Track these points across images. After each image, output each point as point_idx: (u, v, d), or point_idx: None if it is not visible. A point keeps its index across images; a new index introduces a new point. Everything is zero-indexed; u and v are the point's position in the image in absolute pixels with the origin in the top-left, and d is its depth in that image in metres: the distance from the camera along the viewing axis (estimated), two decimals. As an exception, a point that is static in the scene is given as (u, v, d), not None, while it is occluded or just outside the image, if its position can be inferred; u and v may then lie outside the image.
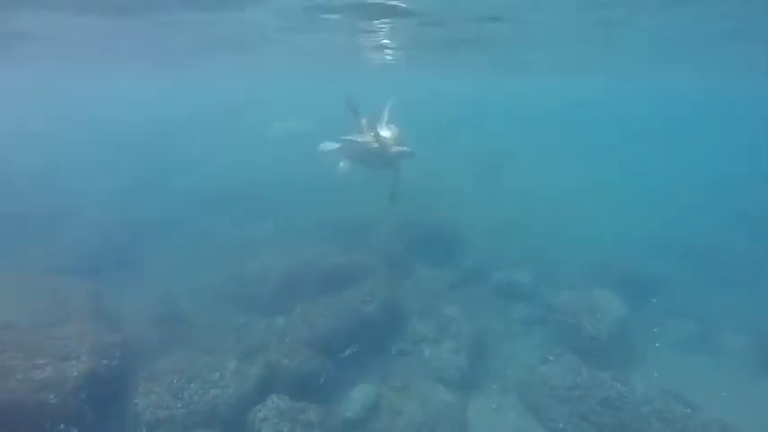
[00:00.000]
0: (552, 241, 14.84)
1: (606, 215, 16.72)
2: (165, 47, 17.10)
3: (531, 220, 16.38)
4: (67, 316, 7.82)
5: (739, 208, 18.50)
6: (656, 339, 10.94)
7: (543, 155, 24.36)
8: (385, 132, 8.71)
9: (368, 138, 8.80)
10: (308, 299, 10.53)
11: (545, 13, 10.70)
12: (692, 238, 15.52)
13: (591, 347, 9.80)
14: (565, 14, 10.83)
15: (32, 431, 6.31)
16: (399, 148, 8.71)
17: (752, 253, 14.71)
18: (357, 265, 11.96)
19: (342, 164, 9.17)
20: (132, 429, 7.22)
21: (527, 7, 10.15)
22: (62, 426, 6.39)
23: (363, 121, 9.47)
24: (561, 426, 8.32)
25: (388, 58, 20.32)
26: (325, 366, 8.94)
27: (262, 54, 18.87)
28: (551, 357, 9.54)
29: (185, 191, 18.31)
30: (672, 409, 8.23)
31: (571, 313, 10.48)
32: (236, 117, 30.32)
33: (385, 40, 15.85)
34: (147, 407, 7.46)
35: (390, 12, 11.03)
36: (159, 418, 7.35)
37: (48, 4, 10.31)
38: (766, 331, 10.86)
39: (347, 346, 9.59)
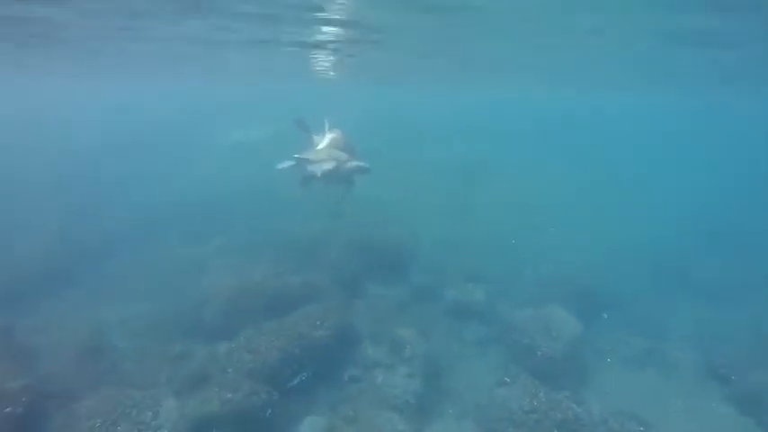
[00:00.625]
0: (510, 256, 14.77)
1: (569, 229, 16.83)
2: (121, 54, 16.06)
3: (490, 234, 16.25)
4: (-34, 356, 6.83)
5: (706, 225, 18.98)
6: (608, 355, 10.96)
7: (509, 168, 24.35)
8: (334, 148, 8.41)
9: (321, 155, 8.48)
10: (254, 323, 9.88)
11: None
12: (650, 254, 15.77)
13: (546, 367, 9.65)
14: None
15: None
16: (354, 164, 8.41)
17: (710, 266, 15.12)
18: (308, 285, 11.42)
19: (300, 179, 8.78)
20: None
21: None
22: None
23: (315, 138, 9.20)
24: (518, 452, 8.04)
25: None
26: (272, 398, 8.30)
27: (217, 62, 18.10)
28: (507, 379, 9.29)
29: (135, 205, 17.07)
30: (627, 430, 8.14)
31: (526, 332, 10.33)
32: (193, 126, 29.02)
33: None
34: (63, 457, 6.59)
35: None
36: (76, 470, 6.50)
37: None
38: (713, 345, 11.11)
39: (295, 374, 9.01)
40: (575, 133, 38.76)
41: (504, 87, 28.65)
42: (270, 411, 8.13)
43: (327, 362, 9.39)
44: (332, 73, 20.70)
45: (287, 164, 8.76)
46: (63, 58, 17.39)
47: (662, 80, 21.26)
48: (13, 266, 11.71)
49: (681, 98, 30.99)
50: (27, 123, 30.13)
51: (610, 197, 22.03)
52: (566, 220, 17.85)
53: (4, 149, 23.06)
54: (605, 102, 40.27)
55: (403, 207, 17.46)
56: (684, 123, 50.99)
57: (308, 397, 8.82)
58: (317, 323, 9.65)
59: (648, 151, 37.43)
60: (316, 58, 16.17)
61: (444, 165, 22.74)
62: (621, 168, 27.68)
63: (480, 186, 21.46)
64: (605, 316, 12.21)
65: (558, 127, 40.25)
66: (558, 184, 23.03)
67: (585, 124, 44.89)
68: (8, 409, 6.22)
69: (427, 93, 36.64)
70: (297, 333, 9.32)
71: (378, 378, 9.41)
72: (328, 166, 8.35)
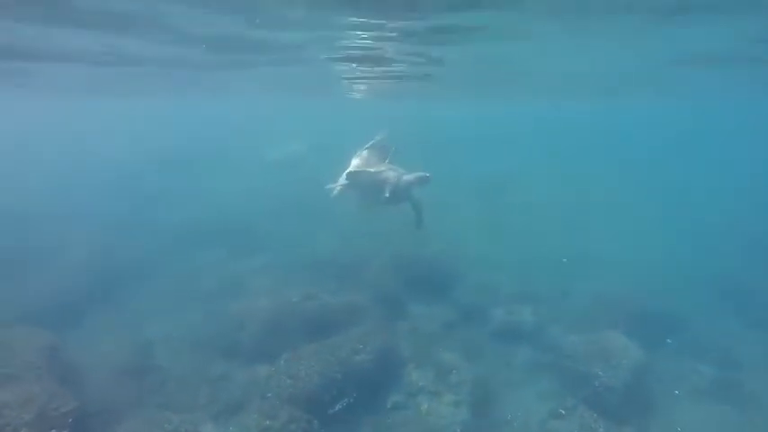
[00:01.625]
0: (555, 273, 13.99)
1: (613, 244, 15.88)
2: (158, 75, 16.58)
3: (532, 250, 15.51)
4: (13, 376, 6.86)
5: (754, 236, 17.56)
6: (675, 386, 9.99)
7: (540, 180, 23.58)
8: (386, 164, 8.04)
9: (381, 167, 8.06)
10: (294, 345, 9.62)
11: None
12: (707, 270, 14.64)
13: (606, 399, 8.85)
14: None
15: None
16: (415, 174, 7.96)
17: None
18: (348, 306, 11.10)
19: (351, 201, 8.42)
20: None
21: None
22: None
23: (365, 153, 8.84)
24: (578, 494, 7.33)
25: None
26: (312, 426, 7.94)
27: (256, 80, 18.41)
28: (563, 411, 8.61)
29: (176, 224, 17.29)
30: (702, 474, 7.28)
31: (581, 359, 9.55)
32: (232, 144, 29.77)
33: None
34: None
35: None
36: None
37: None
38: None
39: (336, 400, 8.64)
40: (606, 143, 37.35)
41: (531, 99, 27.95)
42: (310, 440, 7.79)
43: (369, 388, 8.97)
44: (361, 90, 20.63)
45: (340, 183, 8.32)
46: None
47: (696, 84, 20.11)
48: (58, 282, 11.97)
49: (719, 103, 29.19)
50: (71, 139, 31.82)
51: (654, 211, 20.76)
52: (608, 235, 16.88)
53: (48, 164, 24.35)
54: (635, 109, 38.57)
55: (440, 223, 16.93)
56: (721, 127, 48.11)
57: (350, 425, 8.44)
58: (359, 347, 9.27)
59: (685, 158, 35.49)
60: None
61: (475, 179, 22.12)
62: (659, 177, 26.10)
63: (514, 200, 20.73)
64: (669, 341, 11.25)
65: (589, 138, 38.91)
66: (592, 195, 22.00)
67: (616, 133, 43.19)
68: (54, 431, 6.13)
69: (451, 107, 36.22)
70: (337, 357, 8.97)
71: (423, 405, 8.93)
72: (385, 177, 7.88)
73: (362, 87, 19.72)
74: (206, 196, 20.17)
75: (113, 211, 18.05)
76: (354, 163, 8.54)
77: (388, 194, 7.92)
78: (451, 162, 24.03)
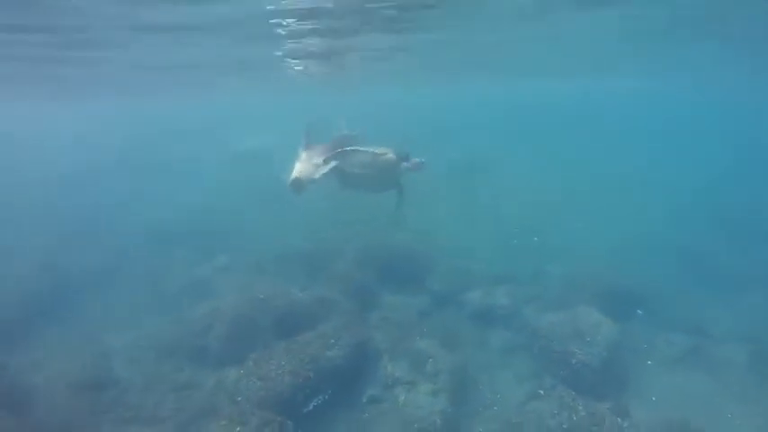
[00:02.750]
0: (529, 255, 13.95)
1: (583, 223, 15.96)
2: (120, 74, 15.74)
3: (506, 233, 15.45)
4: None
5: (719, 211, 17.96)
6: (648, 357, 10.08)
7: (512, 164, 23.55)
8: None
9: (382, 149, 7.47)
10: (263, 344, 9.24)
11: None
12: (673, 243, 14.85)
13: (583, 376, 8.82)
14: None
15: None
16: (413, 160, 7.45)
17: (734, 256, 14.16)
18: (318, 300, 10.73)
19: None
20: None
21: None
22: None
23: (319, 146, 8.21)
24: (560, 474, 7.25)
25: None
26: (286, 428, 7.57)
27: (218, 75, 17.71)
28: (541, 391, 8.53)
29: (137, 226, 16.50)
30: (680, 443, 7.31)
31: (557, 338, 9.48)
32: (193, 139, 28.68)
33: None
34: None
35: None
36: None
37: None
38: (761, 336, 10.18)
39: (310, 399, 8.32)
40: (575, 125, 37.84)
41: (499, 80, 27.93)
42: (285, 442, 7.44)
43: (344, 383, 8.68)
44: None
45: (328, 167, 7.55)
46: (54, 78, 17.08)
47: (673, 66, 20.55)
48: (6, 298, 11.16)
49: (689, 81, 29.96)
50: (26, 143, 30.07)
51: (620, 189, 21.07)
52: (579, 216, 17.00)
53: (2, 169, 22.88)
54: (608, 88, 39.20)
55: (410, 210, 16.67)
56: (689, 109, 49.63)
57: (326, 423, 8.14)
58: (331, 342, 8.95)
59: (657, 139, 36.30)
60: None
61: (445, 164, 21.90)
62: (628, 158, 26.55)
63: (486, 185, 20.65)
64: (640, 312, 11.35)
65: (558, 119, 39.32)
66: (564, 178, 22.18)
67: (586, 114, 43.78)
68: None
69: (418, 91, 35.94)
70: (309, 354, 8.61)
71: (400, 397, 8.68)
72: (381, 160, 7.36)
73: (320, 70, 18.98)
74: (166, 197, 19.33)
75: (70, 216, 17.07)
76: (304, 155, 7.88)
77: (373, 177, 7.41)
78: (421, 147, 23.75)
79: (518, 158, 24.72)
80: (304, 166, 7.67)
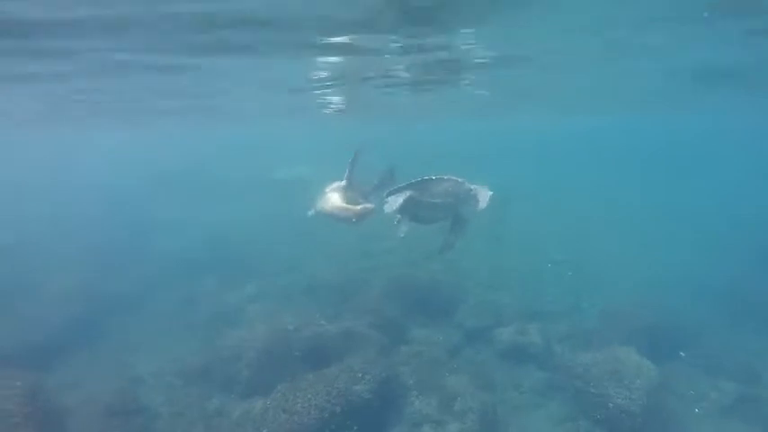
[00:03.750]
0: (563, 289, 13.55)
1: (618, 257, 15.45)
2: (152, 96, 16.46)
3: (539, 266, 15.09)
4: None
5: (761, 245, 17.05)
6: (694, 404, 9.46)
7: (549, 194, 23.19)
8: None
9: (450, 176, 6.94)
10: (291, 376, 9.18)
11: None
12: (716, 278, 14.08)
13: (622, 422, 8.34)
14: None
15: None
16: (483, 191, 6.80)
17: None
18: (346, 332, 10.64)
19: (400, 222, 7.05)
20: None
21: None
22: None
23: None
24: None
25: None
26: (310, 465, 7.47)
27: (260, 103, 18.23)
28: (577, 436, 8.09)
29: (168, 253, 16.89)
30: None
31: (593, 380, 9.03)
32: (225, 167, 29.53)
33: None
34: None
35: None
36: None
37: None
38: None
39: (336, 434, 8.15)
40: (613, 158, 37.10)
41: (531, 114, 27.80)
42: (308, 480, 7.30)
43: (370, 419, 8.48)
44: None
45: (399, 199, 6.96)
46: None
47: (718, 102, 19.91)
48: (40, 319, 11.48)
49: (724, 115, 29.03)
50: (63, 168, 31.33)
51: (658, 220, 20.35)
52: (616, 248, 16.44)
53: (37, 194, 23.98)
54: (645, 124, 38.42)
55: (439, 242, 16.45)
56: (728, 140, 47.90)
57: (351, 461, 7.93)
58: (358, 376, 8.80)
59: (697, 170, 35.14)
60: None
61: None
62: (667, 189, 25.70)
63: (520, 215, 20.30)
64: (683, 354, 10.73)
65: (595, 151, 38.68)
66: (601, 209, 21.60)
67: (625, 147, 42.94)
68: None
69: (449, 123, 36.04)
70: (336, 388, 8.49)
71: (427, 437, 8.41)
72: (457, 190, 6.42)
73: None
74: (199, 222, 19.82)
75: (103, 241, 17.66)
76: (334, 192, 7.43)
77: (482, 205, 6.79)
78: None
79: (554, 189, 24.33)
80: (347, 195, 7.21)
